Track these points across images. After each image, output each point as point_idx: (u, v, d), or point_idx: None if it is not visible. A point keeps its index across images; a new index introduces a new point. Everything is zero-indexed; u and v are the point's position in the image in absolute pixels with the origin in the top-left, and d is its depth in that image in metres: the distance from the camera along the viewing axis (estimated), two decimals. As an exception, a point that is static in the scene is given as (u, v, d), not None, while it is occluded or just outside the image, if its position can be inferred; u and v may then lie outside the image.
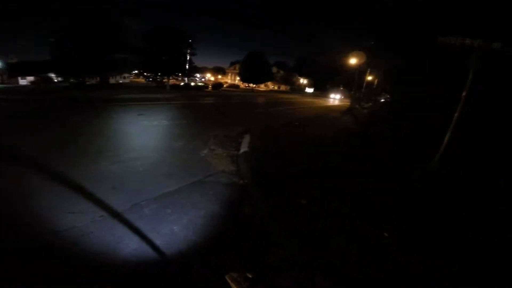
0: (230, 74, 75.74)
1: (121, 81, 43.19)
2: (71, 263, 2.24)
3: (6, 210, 2.96)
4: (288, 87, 65.47)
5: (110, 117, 9.52)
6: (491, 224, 3.44)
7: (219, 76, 77.28)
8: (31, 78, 38.32)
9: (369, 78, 24.57)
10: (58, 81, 33.72)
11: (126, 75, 45.07)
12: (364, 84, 24.48)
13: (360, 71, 22.26)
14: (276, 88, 65.78)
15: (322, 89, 58.29)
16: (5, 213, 2.89)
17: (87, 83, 30.49)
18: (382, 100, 15.15)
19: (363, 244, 2.82)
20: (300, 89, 65.85)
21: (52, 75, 35.19)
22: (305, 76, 67.25)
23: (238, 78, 63.01)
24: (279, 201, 3.62)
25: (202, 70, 77.26)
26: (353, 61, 20.16)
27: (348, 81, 48.08)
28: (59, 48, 26.37)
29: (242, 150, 5.89)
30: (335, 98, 42.58)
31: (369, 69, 23.15)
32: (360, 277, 2.36)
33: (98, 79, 31.76)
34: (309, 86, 64.85)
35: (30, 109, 10.87)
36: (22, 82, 38.68)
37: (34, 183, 3.63)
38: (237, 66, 64.57)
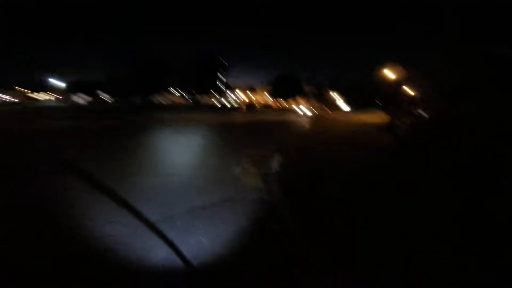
0: (262, 94, 77.75)
1: (162, 102, 46.91)
2: (104, 268, 2.39)
3: (54, 216, 3.31)
4: (322, 105, 64.68)
5: (154, 137, 10.44)
6: None
7: (251, 95, 79.62)
8: (85, 97, 43.08)
9: (408, 91, 22.88)
10: (109, 101, 37.71)
11: (166, 95, 48.96)
12: (405, 99, 22.81)
13: (398, 85, 20.94)
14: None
15: (357, 105, 56.33)
16: (52, 219, 3.24)
17: (132, 102, 33.68)
18: (424, 114, 14.01)
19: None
20: (334, 106, 64.56)
21: (104, 94, 39.42)
22: (338, 93, 66.03)
23: (269, 97, 64.41)
24: (310, 219, 3.47)
25: (235, 89, 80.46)
26: (390, 75, 18.95)
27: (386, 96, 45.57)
28: (113, 71, 29.91)
29: (274, 169, 5.87)
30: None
31: (405, 82, 21.58)
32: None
33: (142, 99, 34.91)
34: (343, 103, 63.29)
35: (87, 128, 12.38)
36: (78, 100, 43.50)
37: (82, 193, 4.05)
38: (269, 87, 66.56)
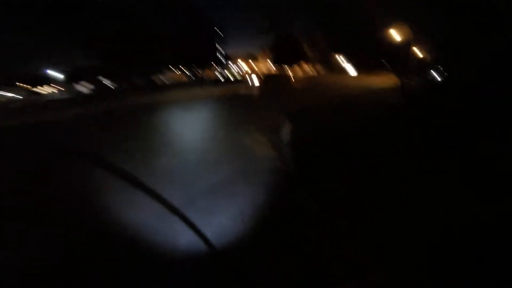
0: (264, 60, 74.50)
1: (164, 81, 45.86)
2: (133, 255, 2.52)
3: (79, 201, 3.49)
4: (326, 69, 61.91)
5: (163, 116, 10.58)
6: None
7: (252, 64, 76.59)
8: (88, 85, 43.30)
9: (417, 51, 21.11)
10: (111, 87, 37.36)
11: (166, 72, 47.58)
12: (412, 59, 21.13)
13: (405, 45, 19.24)
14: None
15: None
16: (78, 205, 3.40)
17: (135, 84, 33.08)
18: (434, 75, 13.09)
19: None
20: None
21: (104, 79, 38.77)
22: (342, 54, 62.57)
23: (272, 64, 61.71)
24: (324, 186, 3.49)
25: (235, 58, 77.23)
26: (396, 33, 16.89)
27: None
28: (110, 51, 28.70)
29: (285, 136, 5.80)
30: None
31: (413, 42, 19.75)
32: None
33: (144, 80, 34.18)
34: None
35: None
36: (81, 89, 43.76)
37: (106, 178, 4.14)
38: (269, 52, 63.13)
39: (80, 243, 2.70)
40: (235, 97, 15.64)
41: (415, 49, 21.34)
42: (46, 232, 2.98)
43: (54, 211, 3.44)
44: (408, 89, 15.19)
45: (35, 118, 14.22)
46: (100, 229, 2.95)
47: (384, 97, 13.13)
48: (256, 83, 32.83)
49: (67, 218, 3.19)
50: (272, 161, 4.49)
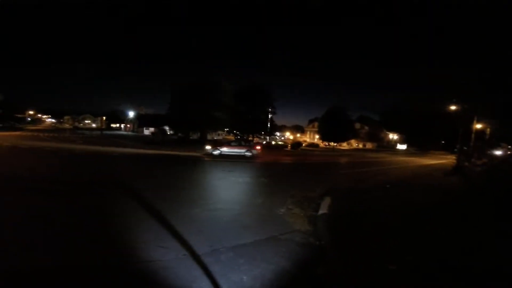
0: (309, 133, 77.00)
1: (215, 138, 50.73)
2: None
3: (113, 238, 3.72)
4: (374, 145, 60.22)
5: (206, 171, 11.39)
6: None
7: (298, 135, 79.68)
8: (152, 129, 51.43)
9: (478, 126, 19.20)
10: (170, 134, 43.10)
11: (220, 132, 52.78)
12: (473, 136, 19.39)
13: (465, 119, 18.01)
14: (360, 146, 61.45)
15: (417, 145, 50.75)
16: (111, 241, 3.64)
17: (190, 137, 37.30)
18: (500, 153, 11.71)
19: None
20: (390, 146, 59.41)
21: (167, 127, 45.26)
22: (394, 131, 60.76)
23: (317, 136, 62.65)
24: (361, 265, 3.14)
25: (282, 129, 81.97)
26: (458, 108, 15.83)
27: (450, 133, 40.18)
28: (173, 105, 34.00)
29: (321, 212, 5.60)
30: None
31: (476, 116, 18.26)
32: None
33: (199, 134, 38.41)
34: (401, 142, 57.75)
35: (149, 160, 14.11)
36: (146, 132, 51.66)
37: (139, 220, 4.52)
38: (316, 124, 64.84)
39: (105, 274, 2.85)
40: (277, 165, 16.16)
41: (478, 126, 18.95)
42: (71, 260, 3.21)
43: (83, 236, 3.80)
44: (467, 170, 13.55)
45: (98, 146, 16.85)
46: (125, 260, 3.09)
47: (437, 177, 11.98)
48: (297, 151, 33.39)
49: (96, 247, 3.47)
50: (304, 234, 4.34)
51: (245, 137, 42.34)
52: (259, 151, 18.81)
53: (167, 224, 4.32)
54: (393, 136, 62.29)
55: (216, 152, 17.25)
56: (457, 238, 4.32)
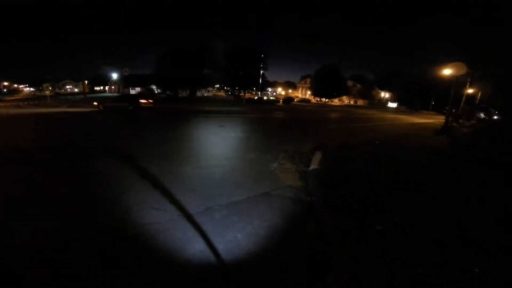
0: (301, 89, 75.45)
1: (205, 94, 49.01)
2: (144, 254, 2.54)
3: (104, 201, 3.62)
4: (366, 102, 60.30)
5: (197, 127, 11.21)
6: None
7: (290, 91, 78.10)
8: (138, 89, 49.70)
9: (470, 91, 19.70)
10: (158, 93, 41.73)
11: (209, 89, 50.95)
12: (463, 99, 19.79)
13: (457, 83, 18.19)
14: (352, 102, 61.49)
15: (408, 104, 51.28)
16: (102, 204, 3.54)
17: (179, 95, 36.12)
18: (483, 117, 12.00)
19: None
20: (381, 104, 59.68)
21: (154, 87, 44.00)
22: (386, 90, 60.61)
23: (309, 92, 61.76)
24: (350, 223, 3.23)
25: (274, 85, 79.90)
26: (448, 71, 15.59)
27: (441, 95, 40.81)
28: (160, 64, 32.47)
29: (312, 167, 5.61)
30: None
31: (469, 81, 18.63)
32: None
33: (188, 92, 37.19)
34: (392, 101, 57.99)
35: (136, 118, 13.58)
36: (132, 91, 49.77)
37: (128, 180, 4.39)
38: (308, 80, 63.53)
39: (98, 236, 2.81)
40: (269, 120, 15.98)
41: (468, 89, 19.96)
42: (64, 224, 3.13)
43: (75, 200, 3.70)
44: (454, 130, 14.04)
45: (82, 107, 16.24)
46: (120, 224, 3.06)
47: (426, 136, 12.27)
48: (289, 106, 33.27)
49: (89, 210, 3.40)
50: (296, 191, 4.37)
51: (236, 93, 41.12)
52: (146, 104, 19.90)
53: (161, 184, 4.25)
54: (384, 95, 62.14)
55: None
56: (445, 200, 4.45)
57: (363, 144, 8.77)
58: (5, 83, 70.23)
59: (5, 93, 61.28)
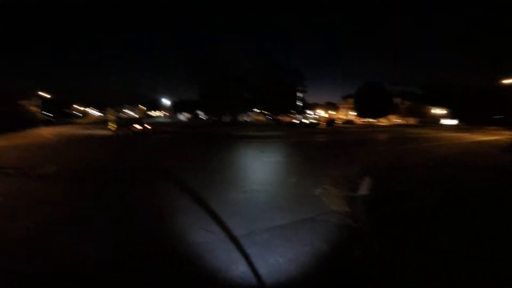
0: (342, 109, 73.07)
1: (246, 119, 50.94)
2: (195, 273, 2.67)
3: (157, 222, 3.96)
4: (416, 120, 55.32)
5: (239, 152, 11.82)
6: None
7: (331, 112, 76.10)
8: (186, 115, 54.50)
9: None
10: (203, 118, 44.95)
11: (249, 113, 52.97)
12: None
13: None
14: (401, 121, 56.95)
15: (466, 120, 45.39)
16: (156, 225, 3.87)
17: (223, 120, 38.35)
18: None
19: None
20: (433, 121, 54.05)
21: (200, 112, 47.78)
22: (438, 105, 54.83)
23: (352, 112, 59.23)
24: (398, 249, 3.03)
25: (314, 107, 78.58)
26: None
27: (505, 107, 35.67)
28: (205, 91, 35.08)
29: (359, 192, 5.37)
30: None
31: None
32: None
33: (230, 117, 39.26)
34: (446, 117, 52.11)
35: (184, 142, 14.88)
36: (180, 117, 54.44)
37: (179, 202, 4.79)
38: (350, 100, 61.10)
39: (148, 255, 3.05)
40: (310, 144, 15.79)
41: None
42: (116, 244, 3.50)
43: (125, 220, 4.09)
44: None
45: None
46: (167, 243, 3.30)
47: (490, 156, 10.54)
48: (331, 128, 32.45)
49: (139, 230, 3.73)
50: (341, 215, 4.21)
51: (275, 117, 41.79)
52: (141, 130, 21.38)
53: (208, 207, 4.53)
54: (436, 111, 56.34)
55: None
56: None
57: (416, 167, 8.03)
58: (80, 108, 73.08)
59: (81, 117, 68.56)
